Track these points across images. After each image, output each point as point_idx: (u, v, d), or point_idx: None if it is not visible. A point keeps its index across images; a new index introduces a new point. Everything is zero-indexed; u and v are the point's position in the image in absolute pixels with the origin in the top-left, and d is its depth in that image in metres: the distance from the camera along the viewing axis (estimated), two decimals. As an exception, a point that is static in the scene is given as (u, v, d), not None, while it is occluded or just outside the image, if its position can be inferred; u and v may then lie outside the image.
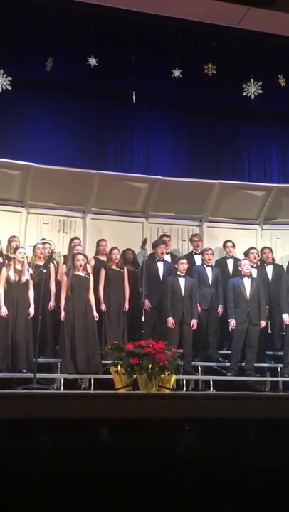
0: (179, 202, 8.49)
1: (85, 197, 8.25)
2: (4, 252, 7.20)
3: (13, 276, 6.56)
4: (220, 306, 7.47)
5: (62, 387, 6.53)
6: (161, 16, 8.20)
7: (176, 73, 8.55)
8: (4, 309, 6.43)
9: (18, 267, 6.63)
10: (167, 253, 7.92)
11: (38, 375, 6.14)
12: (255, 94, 8.78)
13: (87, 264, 7.05)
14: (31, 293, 6.60)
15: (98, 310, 6.99)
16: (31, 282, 6.62)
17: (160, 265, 7.57)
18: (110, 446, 3.79)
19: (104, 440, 3.81)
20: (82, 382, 6.78)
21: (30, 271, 6.66)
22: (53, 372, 6.80)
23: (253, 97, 8.80)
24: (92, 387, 6.57)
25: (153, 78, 8.75)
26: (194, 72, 8.66)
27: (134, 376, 5.49)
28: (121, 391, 5.41)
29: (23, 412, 3.72)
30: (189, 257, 7.78)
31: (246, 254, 7.79)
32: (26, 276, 6.62)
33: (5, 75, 7.96)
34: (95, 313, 6.85)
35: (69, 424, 3.77)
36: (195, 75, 8.68)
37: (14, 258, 6.68)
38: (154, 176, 8.47)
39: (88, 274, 6.93)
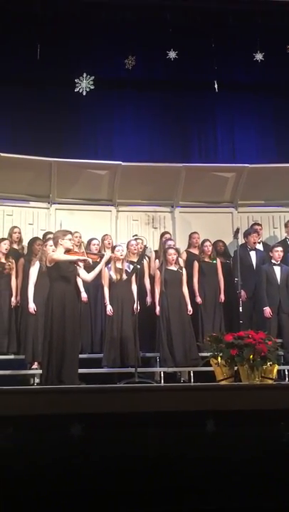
0: (268, 189, 8.28)
1: (172, 191, 8.26)
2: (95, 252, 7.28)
3: (114, 276, 6.63)
4: None
5: (162, 381, 6.58)
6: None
7: (258, 56, 8.35)
8: (109, 307, 6.57)
9: (118, 265, 6.67)
10: (259, 242, 7.75)
11: (139, 370, 6.22)
12: None
13: (179, 258, 7.05)
14: (134, 288, 6.62)
15: (193, 303, 6.97)
16: (134, 279, 6.62)
17: (253, 254, 7.43)
18: (216, 438, 3.76)
19: (209, 432, 3.79)
20: (181, 375, 6.80)
21: (131, 267, 6.65)
22: (152, 366, 6.87)
23: None
24: (191, 380, 6.58)
25: (235, 64, 8.62)
26: (277, 54, 8.43)
27: (236, 368, 5.42)
28: (223, 383, 5.36)
29: (129, 405, 3.77)
30: (284, 245, 7.55)
31: None
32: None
33: (88, 77, 8.16)
34: (189, 307, 6.84)
35: (175, 416, 3.78)
36: (278, 57, 8.44)
37: (114, 257, 6.71)
38: (241, 165, 8.32)
39: (181, 268, 6.92)
